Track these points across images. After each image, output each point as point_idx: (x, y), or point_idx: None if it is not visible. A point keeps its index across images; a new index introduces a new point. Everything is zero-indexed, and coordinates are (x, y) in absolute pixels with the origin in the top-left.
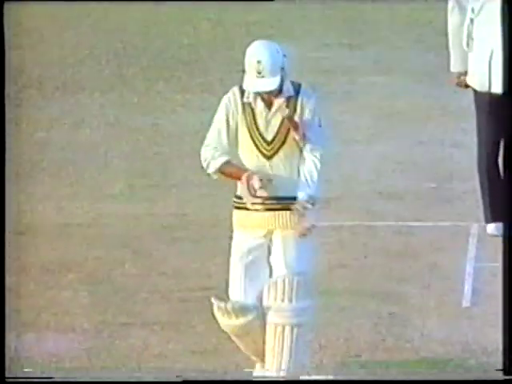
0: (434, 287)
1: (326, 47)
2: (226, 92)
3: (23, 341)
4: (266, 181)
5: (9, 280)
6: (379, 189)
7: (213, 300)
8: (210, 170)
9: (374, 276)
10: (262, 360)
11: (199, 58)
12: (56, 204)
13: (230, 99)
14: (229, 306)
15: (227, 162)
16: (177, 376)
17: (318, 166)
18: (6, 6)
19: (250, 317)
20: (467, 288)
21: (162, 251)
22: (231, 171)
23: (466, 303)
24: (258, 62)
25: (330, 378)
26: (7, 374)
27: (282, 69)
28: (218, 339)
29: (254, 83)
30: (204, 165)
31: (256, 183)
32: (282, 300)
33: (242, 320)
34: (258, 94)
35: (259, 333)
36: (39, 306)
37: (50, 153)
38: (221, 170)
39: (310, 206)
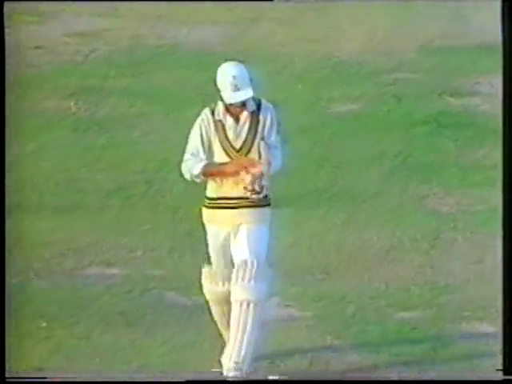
0: None
1: None
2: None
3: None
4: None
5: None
6: None
7: (203, 267)
8: (195, 172)
9: None
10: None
11: None
12: None
13: (204, 119)
14: (214, 270)
15: (208, 164)
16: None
17: (275, 163)
18: (6, 5)
19: (228, 286)
20: None
21: None
22: (214, 169)
23: None
24: (234, 77)
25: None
26: (7, 374)
27: (251, 81)
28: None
29: (233, 96)
30: (187, 175)
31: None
32: (249, 280)
33: (224, 287)
34: (227, 110)
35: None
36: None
37: None
38: (204, 172)
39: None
